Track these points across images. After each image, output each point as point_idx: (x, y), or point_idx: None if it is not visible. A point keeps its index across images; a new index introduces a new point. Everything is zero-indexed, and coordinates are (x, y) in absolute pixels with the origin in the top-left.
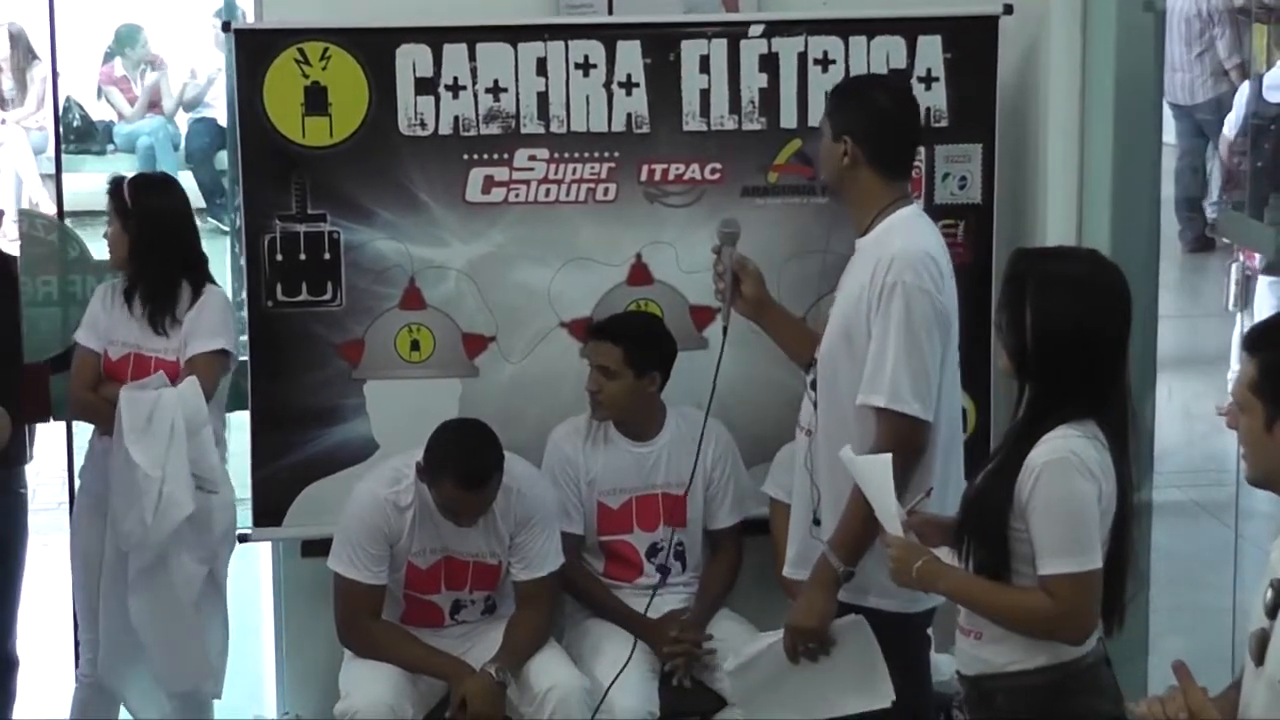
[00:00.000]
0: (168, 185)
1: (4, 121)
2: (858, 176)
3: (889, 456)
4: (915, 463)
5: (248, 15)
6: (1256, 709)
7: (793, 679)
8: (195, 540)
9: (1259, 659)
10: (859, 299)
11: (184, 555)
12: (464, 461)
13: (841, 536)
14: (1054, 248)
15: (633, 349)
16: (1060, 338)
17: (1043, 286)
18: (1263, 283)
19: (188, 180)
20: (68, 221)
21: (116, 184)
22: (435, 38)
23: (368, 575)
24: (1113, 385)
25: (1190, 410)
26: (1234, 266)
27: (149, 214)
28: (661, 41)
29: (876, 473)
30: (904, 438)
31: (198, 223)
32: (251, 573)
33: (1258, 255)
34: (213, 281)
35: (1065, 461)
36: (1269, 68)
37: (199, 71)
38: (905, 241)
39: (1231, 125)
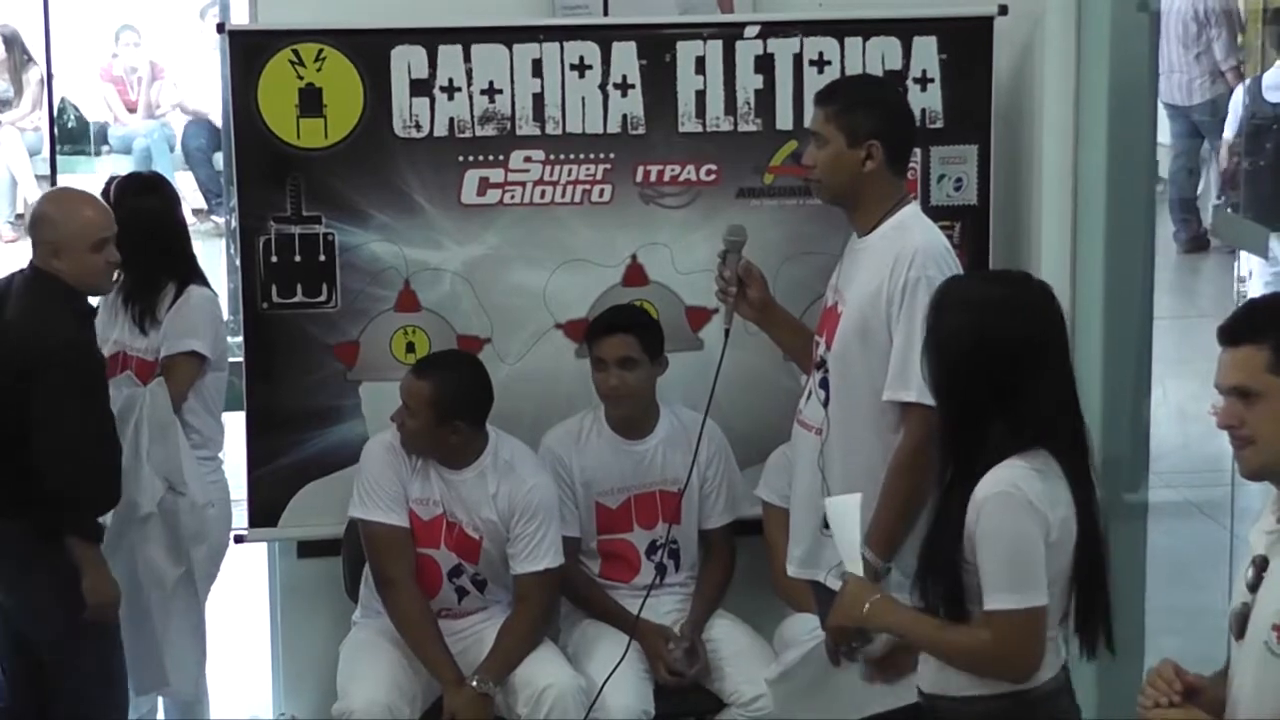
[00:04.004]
0: (155, 185)
1: (3, 123)
2: (873, 178)
3: (859, 496)
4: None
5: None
6: (1246, 680)
7: (833, 681)
8: (164, 541)
9: (1240, 634)
10: (877, 295)
11: (152, 556)
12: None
13: (878, 534)
14: (982, 271)
15: (644, 336)
16: (969, 359)
17: (954, 309)
18: (1257, 282)
19: (188, 181)
20: None
21: (107, 185)
22: (430, 39)
23: (392, 516)
24: (1058, 411)
25: (1186, 411)
26: (1236, 265)
27: (133, 214)
28: (657, 43)
29: (847, 512)
30: (934, 433)
31: (198, 223)
32: (248, 574)
33: (1255, 257)
34: (203, 282)
35: (1006, 496)
36: (1264, 72)
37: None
38: (924, 237)
39: (1231, 127)
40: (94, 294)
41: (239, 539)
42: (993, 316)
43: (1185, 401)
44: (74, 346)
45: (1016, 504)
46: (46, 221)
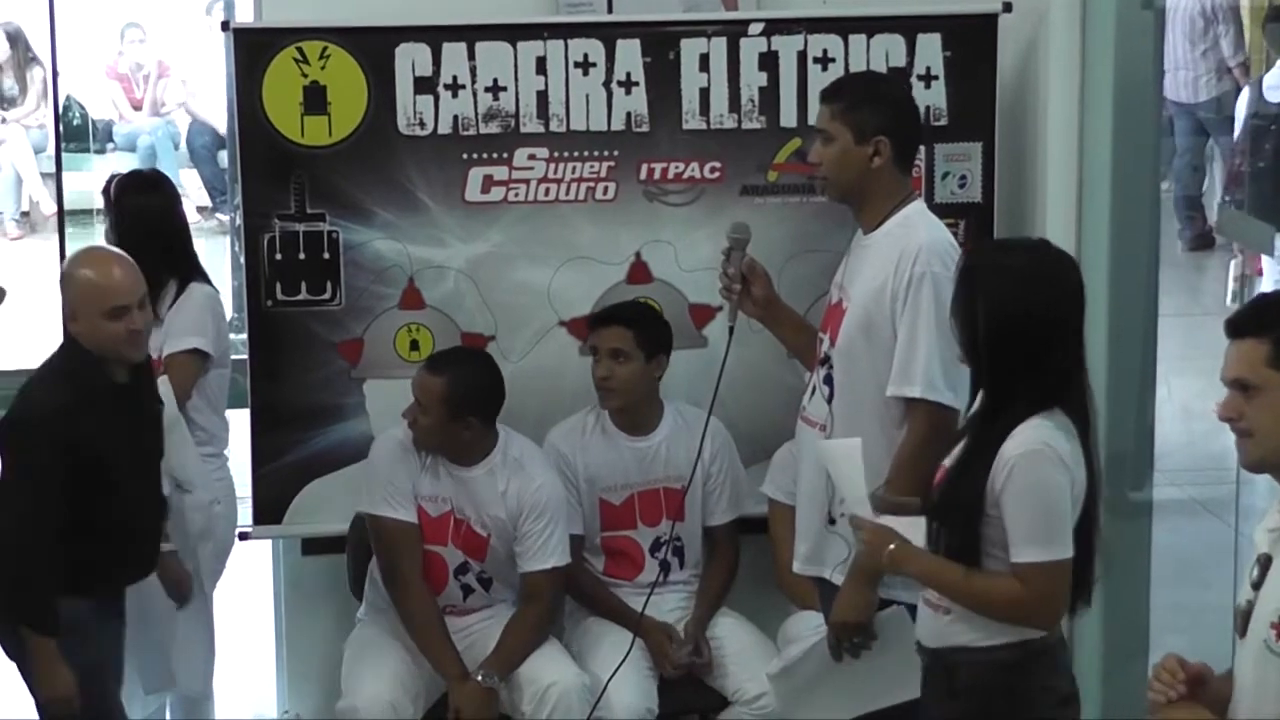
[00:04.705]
0: (156, 183)
1: (4, 120)
2: (879, 175)
3: (858, 441)
4: (943, 452)
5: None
6: (1247, 678)
7: (835, 677)
8: (171, 539)
9: (1243, 632)
10: (880, 292)
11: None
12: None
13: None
14: (1003, 239)
15: (642, 331)
16: (1009, 325)
17: (990, 277)
18: (1267, 279)
19: (192, 179)
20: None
21: (108, 182)
22: (434, 37)
23: (401, 512)
24: (1073, 372)
25: (1190, 409)
26: (1233, 263)
27: (133, 211)
28: (661, 40)
29: (846, 456)
30: (939, 426)
31: (202, 221)
32: (252, 571)
33: (1262, 256)
34: (205, 279)
35: (1040, 454)
36: (1268, 68)
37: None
38: (929, 233)
39: (1238, 125)
40: (119, 361)
41: (243, 536)
42: (1025, 284)
43: (1190, 399)
44: (19, 426)
45: (1049, 461)
46: (66, 281)
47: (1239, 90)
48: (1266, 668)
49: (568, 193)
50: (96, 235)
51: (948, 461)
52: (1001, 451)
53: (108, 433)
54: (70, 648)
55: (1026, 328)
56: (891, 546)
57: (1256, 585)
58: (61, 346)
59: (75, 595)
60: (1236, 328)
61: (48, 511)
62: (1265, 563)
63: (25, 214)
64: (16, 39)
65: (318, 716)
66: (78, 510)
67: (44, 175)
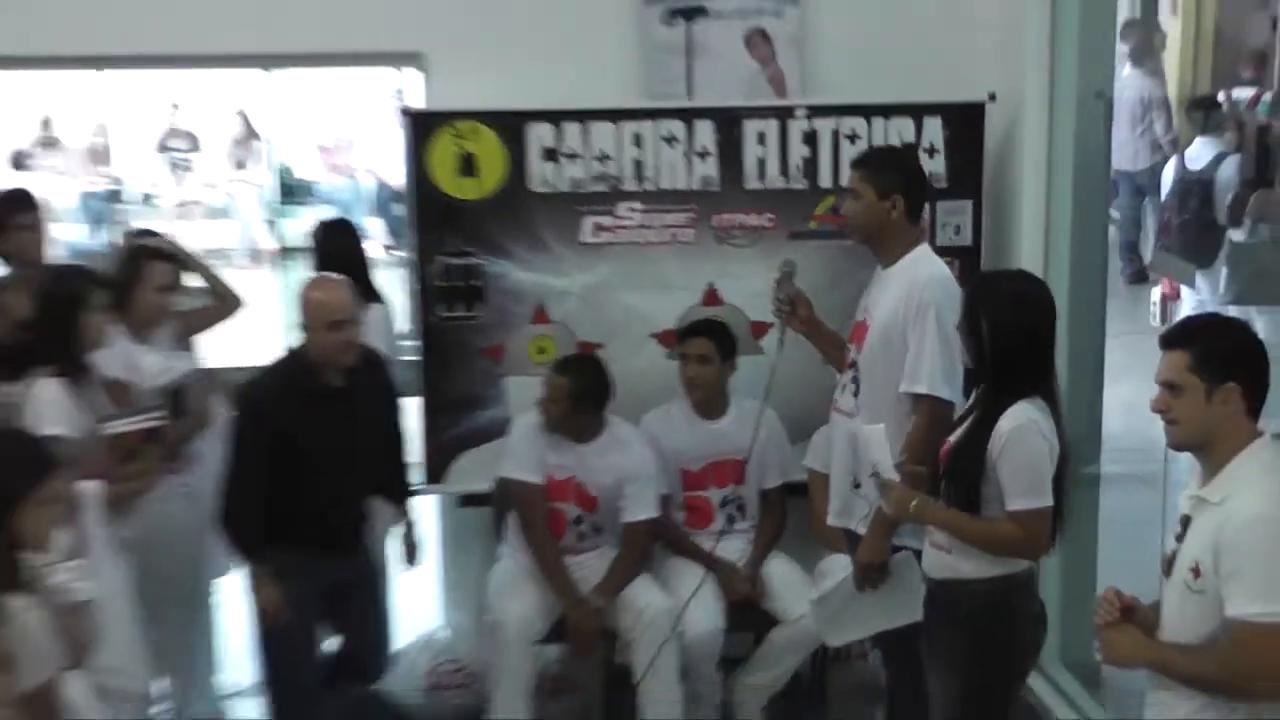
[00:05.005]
0: (346, 227)
1: (238, 181)
2: (895, 224)
3: (883, 426)
4: (943, 435)
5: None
6: (1171, 609)
7: (858, 604)
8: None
9: (1168, 573)
10: (895, 313)
11: None
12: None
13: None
14: (997, 271)
15: (719, 341)
16: (1006, 334)
17: (991, 299)
18: (1186, 305)
19: (377, 225)
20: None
21: (314, 228)
22: (556, 118)
23: (533, 477)
24: (1048, 369)
25: (1130, 404)
26: (1154, 290)
27: (329, 249)
28: (728, 121)
29: (876, 438)
30: (940, 415)
31: (386, 256)
32: (423, 520)
33: (1183, 286)
34: (380, 300)
35: (1027, 427)
36: (1189, 145)
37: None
38: (931, 269)
39: (1166, 188)
40: (335, 367)
41: (415, 493)
42: (1017, 304)
43: (1130, 397)
44: (240, 410)
45: (1034, 433)
46: (300, 300)
47: (1167, 161)
48: (1185, 601)
49: (657, 237)
50: (303, 268)
51: (952, 439)
52: (997, 427)
53: (311, 425)
54: (281, 580)
55: (1018, 336)
56: (915, 502)
57: (1179, 539)
58: (289, 353)
59: (283, 544)
60: (1167, 341)
61: (250, 477)
62: (1186, 522)
63: (254, 252)
64: (244, 120)
65: (471, 628)
66: (283, 481)
67: (266, 222)
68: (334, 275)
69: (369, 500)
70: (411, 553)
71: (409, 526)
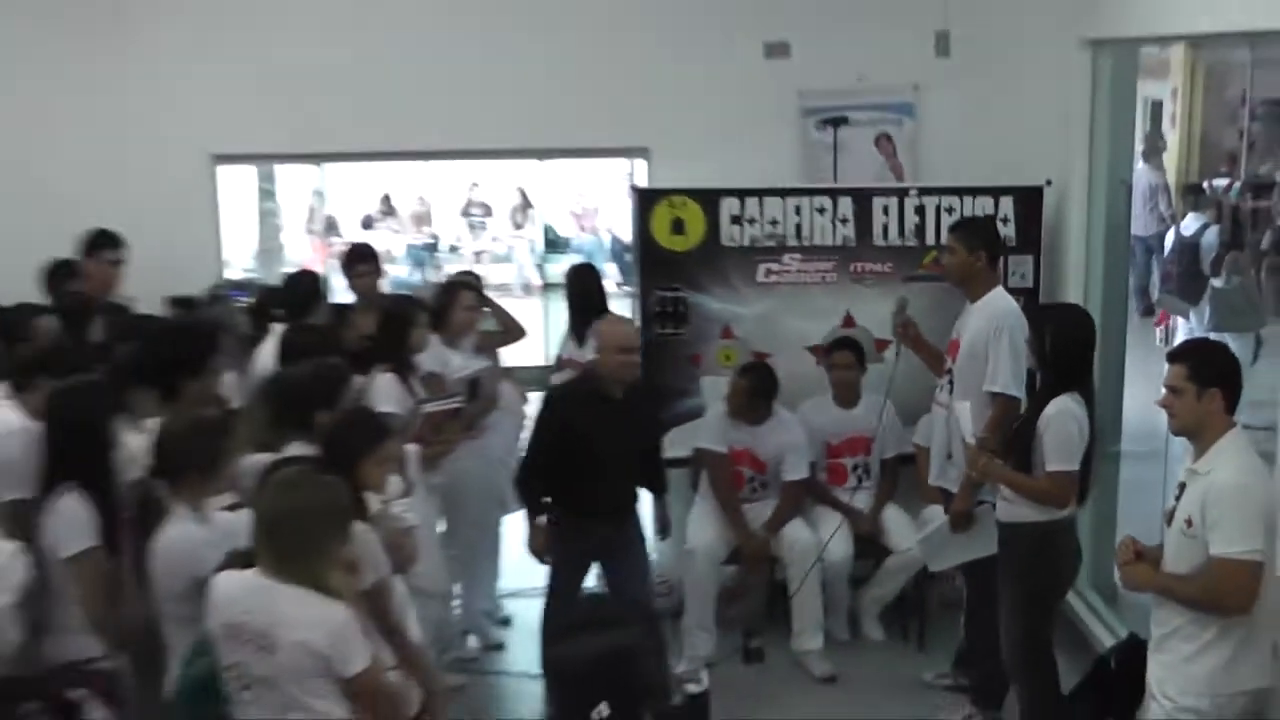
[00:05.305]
0: (589, 270)
1: (516, 236)
2: (979, 272)
3: (968, 403)
4: (1012, 420)
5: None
6: (1170, 550)
7: (950, 541)
8: None
9: (1169, 523)
10: (979, 334)
11: None
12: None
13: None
14: (1054, 303)
15: (857, 354)
16: (1061, 347)
17: (1053, 323)
18: (1181, 332)
19: (612, 269)
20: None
21: (568, 271)
22: (741, 194)
23: (720, 446)
24: (1086, 373)
25: (1141, 402)
26: (1157, 326)
27: (579, 286)
28: (862, 197)
29: (964, 411)
30: (1008, 408)
31: (618, 290)
32: None
33: (1179, 318)
34: None
35: (1065, 413)
36: (1183, 219)
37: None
38: (1005, 304)
39: (1168, 249)
40: (619, 383)
41: None
42: (1071, 326)
43: (1142, 395)
44: (542, 406)
45: (1069, 417)
46: (598, 331)
47: (1168, 229)
48: (1181, 544)
49: (810, 279)
50: (561, 300)
51: (1016, 424)
52: (1044, 412)
53: (596, 424)
54: (559, 536)
55: (1069, 348)
56: (984, 461)
57: (1177, 499)
58: (585, 369)
59: (570, 511)
60: (1171, 357)
61: (541, 456)
62: (1182, 487)
63: (527, 286)
64: (522, 194)
65: (671, 553)
66: (573, 465)
67: (535, 265)
68: (625, 315)
69: (637, 484)
70: (664, 528)
71: (662, 508)
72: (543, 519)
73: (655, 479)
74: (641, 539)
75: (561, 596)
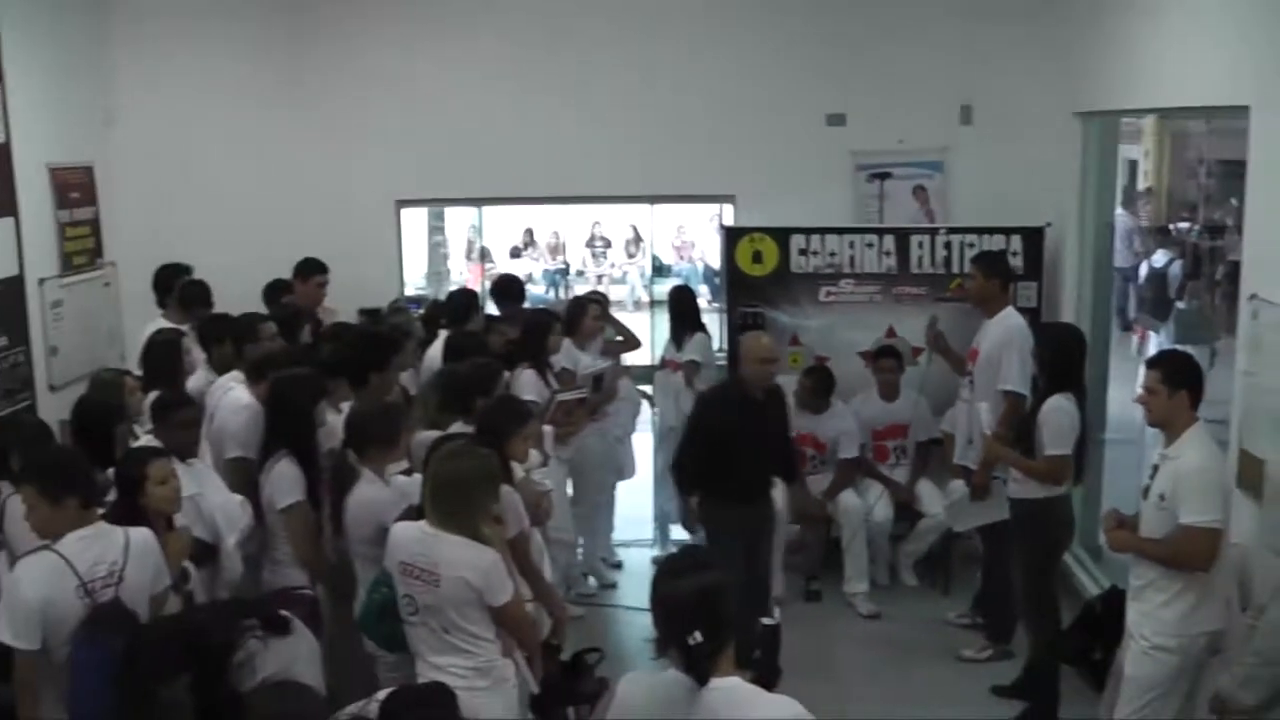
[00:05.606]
0: (686, 290)
1: (629, 264)
2: (995, 294)
3: (985, 404)
4: (1020, 414)
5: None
6: (1145, 519)
7: (970, 507)
8: None
9: (1145, 497)
10: (995, 345)
11: None
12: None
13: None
14: (1053, 321)
15: (897, 359)
16: (1057, 355)
17: (1052, 336)
18: (1152, 345)
19: (704, 289)
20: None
21: (670, 292)
22: (807, 231)
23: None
24: (1079, 377)
25: (1121, 399)
26: (1134, 339)
27: (677, 302)
28: (903, 235)
29: (983, 412)
30: (1017, 404)
31: (707, 306)
32: None
33: (1150, 333)
34: (705, 331)
35: (1060, 408)
36: (1154, 254)
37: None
38: (1015, 320)
39: (1142, 277)
40: (759, 387)
41: None
42: (1069, 341)
43: (1121, 394)
44: (699, 398)
45: (1063, 412)
46: (743, 343)
47: (1141, 262)
48: (1154, 515)
49: (861, 299)
50: (664, 314)
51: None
52: (1042, 408)
53: (740, 422)
54: (714, 520)
55: (1063, 357)
56: (997, 448)
57: (1151, 478)
58: (730, 376)
59: (720, 498)
60: (1148, 363)
61: (692, 447)
62: (1154, 469)
63: (635, 302)
64: (635, 230)
65: None
66: (722, 457)
67: (644, 287)
68: (764, 332)
69: (772, 475)
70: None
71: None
72: (694, 499)
73: (788, 469)
74: (776, 524)
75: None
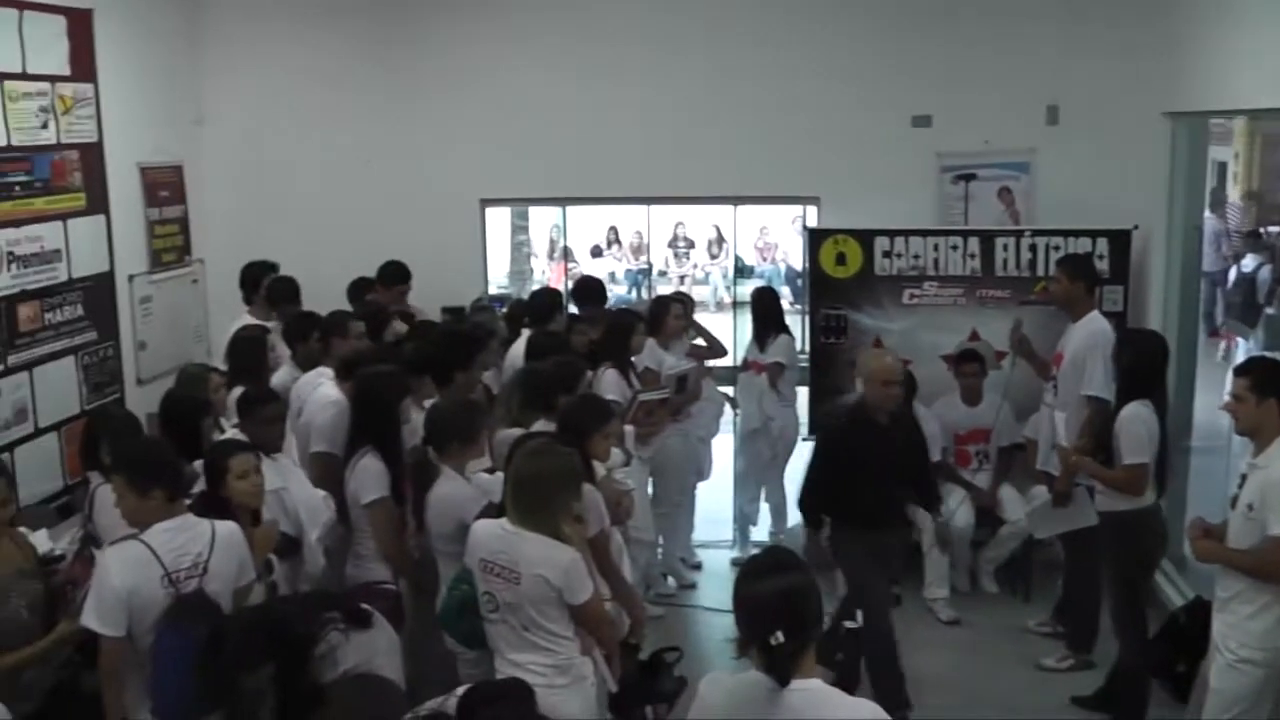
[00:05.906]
0: (769, 292)
1: (713, 265)
2: (1081, 298)
3: (1064, 415)
4: (1104, 419)
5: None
6: (1233, 529)
7: (1053, 514)
8: None
9: (1233, 506)
10: (1079, 349)
11: None
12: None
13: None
14: (1137, 328)
15: (981, 363)
16: (1140, 362)
17: (1134, 344)
18: (1240, 352)
19: (786, 291)
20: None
21: (753, 292)
22: (891, 233)
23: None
24: (1158, 384)
25: (1207, 406)
26: (1221, 345)
27: (761, 301)
28: (987, 237)
29: (1061, 422)
30: (1101, 409)
31: (789, 307)
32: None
33: (1238, 339)
34: (788, 332)
35: (1135, 417)
36: (1244, 258)
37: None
38: (1100, 325)
39: (1230, 283)
40: (883, 410)
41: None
42: (1151, 348)
43: (1208, 400)
44: (819, 431)
45: (1138, 420)
46: (865, 365)
47: (1230, 267)
48: (1242, 525)
49: (945, 301)
50: (747, 315)
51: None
52: (1120, 415)
53: (867, 447)
54: (847, 547)
55: (1142, 365)
56: (1074, 458)
57: (1240, 487)
58: (858, 398)
59: (851, 525)
60: (1236, 370)
61: (819, 474)
62: (1243, 478)
63: (718, 303)
64: (718, 231)
65: None
66: (851, 483)
67: (727, 288)
68: (889, 350)
69: (907, 499)
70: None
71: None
72: (823, 533)
73: (926, 493)
74: (909, 553)
75: (867, 596)
